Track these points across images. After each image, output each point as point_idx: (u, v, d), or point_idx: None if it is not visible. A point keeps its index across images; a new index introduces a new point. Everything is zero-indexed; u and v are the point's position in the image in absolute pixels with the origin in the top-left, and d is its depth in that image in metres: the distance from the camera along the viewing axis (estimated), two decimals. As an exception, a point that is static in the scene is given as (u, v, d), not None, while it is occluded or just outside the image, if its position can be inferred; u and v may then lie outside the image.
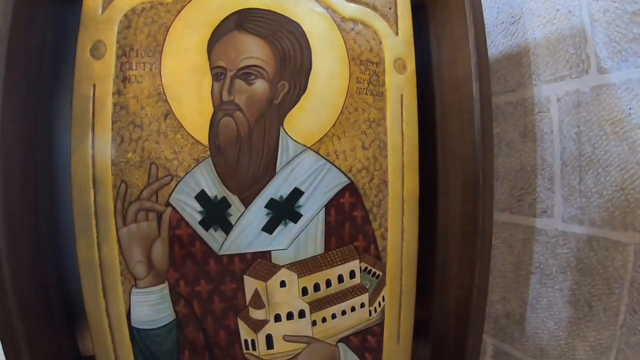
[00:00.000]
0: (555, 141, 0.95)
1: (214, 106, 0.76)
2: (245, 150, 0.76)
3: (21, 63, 0.74)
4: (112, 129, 0.76)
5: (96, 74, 0.76)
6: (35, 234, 0.78)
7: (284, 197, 0.77)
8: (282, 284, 0.80)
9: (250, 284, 0.79)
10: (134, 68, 0.76)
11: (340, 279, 0.82)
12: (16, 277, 0.69)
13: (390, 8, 0.87)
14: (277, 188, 0.77)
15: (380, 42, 0.84)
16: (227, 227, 0.76)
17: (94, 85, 0.76)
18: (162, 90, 0.76)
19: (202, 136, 0.76)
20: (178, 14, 0.78)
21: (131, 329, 0.78)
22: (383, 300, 0.86)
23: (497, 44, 1.07)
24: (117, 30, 0.78)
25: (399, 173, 0.83)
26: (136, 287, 0.76)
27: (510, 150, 1.02)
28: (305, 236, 0.79)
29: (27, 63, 0.76)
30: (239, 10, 0.79)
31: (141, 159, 0.75)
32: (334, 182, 0.79)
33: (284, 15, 0.80)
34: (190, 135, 0.75)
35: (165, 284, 0.77)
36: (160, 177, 0.75)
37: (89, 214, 0.76)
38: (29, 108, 0.77)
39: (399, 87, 0.84)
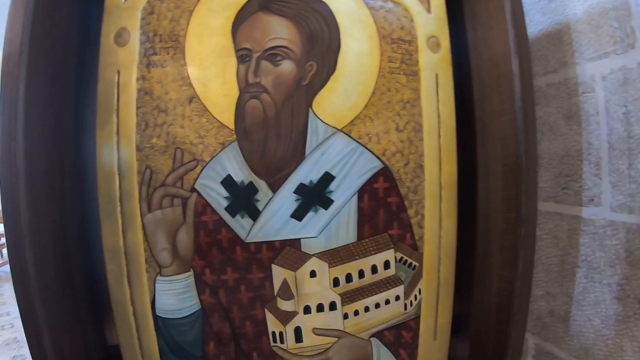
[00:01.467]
0: (601, 123, 0.88)
1: (239, 89, 0.73)
2: (272, 133, 0.72)
3: (46, 53, 0.74)
4: (137, 114, 0.74)
5: (120, 60, 0.75)
6: (60, 219, 0.76)
7: (314, 182, 0.73)
8: (312, 274, 0.75)
9: (279, 273, 0.75)
10: (157, 53, 0.75)
11: (374, 269, 0.77)
12: (39, 263, 0.68)
13: (420, -16, 0.82)
14: (307, 172, 0.73)
15: (412, 20, 0.80)
16: (254, 214, 0.73)
17: (119, 72, 0.75)
18: (186, 74, 0.74)
19: (228, 119, 0.73)
20: (201, -3, 0.76)
21: (156, 317, 0.75)
22: (419, 293, 0.80)
23: (535, 23, 1.00)
24: (141, 17, 0.76)
25: (436, 157, 0.78)
26: (161, 275, 0.74)
27: (554, 134, 0.95)
28: (336, 223, 0.74)
29: (52, 53, 0.75)
30: (267, -9, 0.76)
31: (166, 144, 0.73)
32: (367, 166, 0.75)
33: (310, -6, 0.77)
34: (216, 118, 0.73)
35: (191, 272, 0.74)
36: (185, 162, 0.72)
37: (113, 199, 0.74)
38: (54, 96, 0.75)
39: (434, 66, 0.79)
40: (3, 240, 6.54)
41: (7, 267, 6.44)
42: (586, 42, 0.90)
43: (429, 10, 0.82)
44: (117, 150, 0.74)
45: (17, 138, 0.69)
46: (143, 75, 0.74)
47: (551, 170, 0.96)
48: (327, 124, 0.74)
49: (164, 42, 0.75)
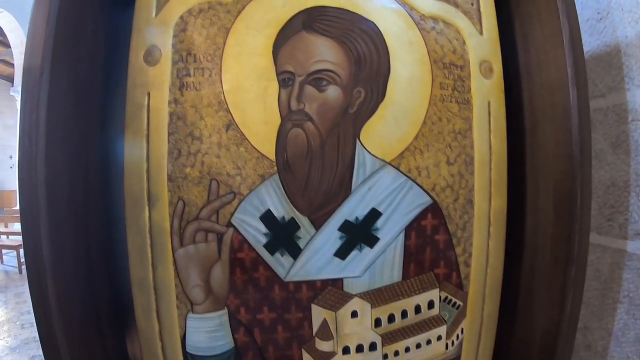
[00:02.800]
0: (651, 153, 0.84)
1: (281, 116, 0.67)
2: (317, 165, 0.67)
3: (70, 69, 0.67)
4: (169, 141, 0.68)
5: (151, 80, 0.69)
6: (84, 250, 0.71)
7: (360, 218, 0.68)
8: (354, 314, 0.71)
9: (318, 313, 0.71)
10: (191, 74, 0.68)
11: (418, 309, 0.73)
12: (62, 298, 0.63)
13: (472, 4, 0.77)
14: (353, 208, 0.68)
15: (464, 43, 0.74)
16: (295, 251, 0.68)
17: (149, 93, 0.69)
18: (223, 98, 0.68)
19: (269, 150, 0.67)
20: (239, 14, 0.70)
21: (186, 354, 0.70)
22: (462, 332, 0.76)
23: (582, 44, 0.95)
24: (173, 34, 0.70)
25: (486, 190, 0.73)
26: (193, 312, 0.69)
27: (600, 162, 0.91)
28: (381, 262, 0.70)
29: (77, 69, 0.69)
30: (306, 9, 0.70)
31: (200, 175, 0.68)
32: (416, 202, 0.70)
33: (356, 14, 0.71)
34: (255, 148, 0.67)
35: (225, 311, 0.69)
36: (221, 194, 0.67)
37: (143, 231, 0.69)
38: (77, 118, 0.69)
39: (486, 93, 0.74)
40: None
41: None
42: (637, 66, 0.86)
43: (481, 32, 0.77)
44: (146, 179, 0.68)
45: (38, 165, 0.64)
46: (175, 99, 0.68)
47: (596, 200, 0.92)
48: (375, 156, 0.69)
49: (199, 62, 0.69)
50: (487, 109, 0.74)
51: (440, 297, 0.73)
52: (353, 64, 0.69)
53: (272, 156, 0.67)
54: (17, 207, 8.86)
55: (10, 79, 12.05)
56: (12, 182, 11.97)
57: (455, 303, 0.75)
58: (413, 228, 0.70)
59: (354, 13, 0.71)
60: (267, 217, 0.67)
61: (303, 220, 0.68)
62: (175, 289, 0.69)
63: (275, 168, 0.67)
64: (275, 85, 0.68)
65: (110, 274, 0.75)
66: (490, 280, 0.75)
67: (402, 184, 0.69)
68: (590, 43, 0.93)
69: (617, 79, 0.89)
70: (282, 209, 0.67)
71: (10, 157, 13.22)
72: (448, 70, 0.73)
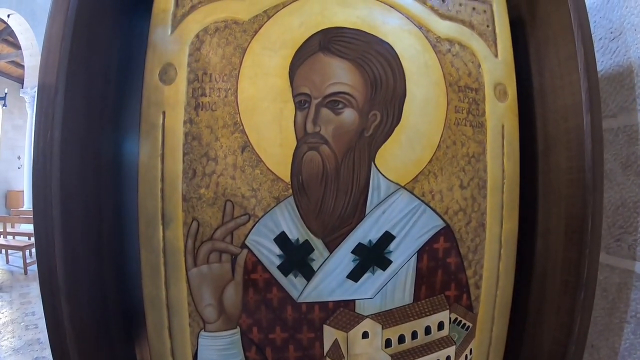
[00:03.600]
0: (662, 175, 0.85)
1: (297, 138, 0.67)
2: (331, 188, 0.67)
3: (84, 88, 0.67)
4: (184, 161, 0.68)
5: (166, 100, 0.69)
6: (97, 270, 0.71)
7: (374, 242, 0.69)
8: (365, 335, 0.71)
9: (330, 334, 0.71)
10: (207, 94, 0.68)
11: (428, 330, 0.73)
12: (75, 316, 0.63)
13: (488, 26, 0.77)
14: (367, 232, 0.68)
15: (479, 65, 0.74)
16: (308, 273, 0.68)
17: (164, 113, 0.68)
18: (238, 119, 0.68)
19: (284, 172, 0.67)
20: (255, 34, 0.70)
21: (197, 371, 0.71)
22: (470, 352, 0.77)
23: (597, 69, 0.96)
24: (189, 52, 0.70)
25: (498, 214, 0.74)
26: (205, 331, 0.69)
27: (610, 182, 0.92)
28: (393, 285, 0.70)
29: (90, 87, 0.69)
30: (323, 30, 0.70)
31: (215, 196, 0.68)
32: (429, 225, 0.70)
33: (373, 35, 0.71)
34: (270, 170, 0.67)
35: (237, 330, 0.70)
36: (236, 216, 0.67)
37: (156, 250, 0.69)
38: (91, 136, 0.69)
39: (500, 116, 0.74)
40: (33, 240, 6.61)
41: (35, 266, 6.55)
42: (649, 88, 0.86)
43: (496, 55, 0.76)
44: (161, 198, 0.68)
45: (52, 182, 0.64)
46: (191, 119, 0.68)
47: (605, 220, 0.93)
48: (389, 180, 0.69)
49: (214, 81, 0.69)
50: (501, 133, 0.74)
51: (450, 318, 0.74)
52: (369, 87, 0.69)
53: (287, 179, 0.67)
54: (24, 208, 9.01)
55: (20, 80, 12.08)
56: (20, 183, 11.97)
57: (464, 324, 0.75)
58: (425, 251, 0.71)
59: (370, 34, 0.71)
60: (282, 239, 0.67)
61: (317, 243, 0.68)
62: (188, 307, 0.70)
63: (290, 191, 0.67)
64: (291, 106, 0.68)
65: (122, 291, 0.75)
66: (499, 302, 0.76)
67: (415, 207, 0.70)
68: (602, 62, 0.94)
69: (628, 100, 0.89)
70: (296, 232, 0.67)
71: (19, 157, 13.22)
72: (463, 93, 0.73)
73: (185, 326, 0.70)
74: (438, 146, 0.71)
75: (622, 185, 0.89)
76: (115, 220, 0.73)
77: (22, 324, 4.33)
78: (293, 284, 0.69)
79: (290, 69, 0.69)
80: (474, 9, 0.77)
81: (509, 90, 0.76)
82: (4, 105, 11.94)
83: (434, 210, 0.70)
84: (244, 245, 0.68)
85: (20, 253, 6.24)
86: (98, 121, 0.70)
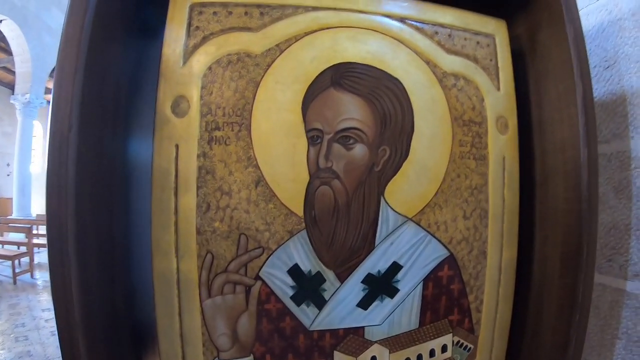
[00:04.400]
0: (651, 200, 0.90)
1: (309, 173, 0.69)
2: (343, 222, 0.70)
3: (96, 125, 0.67)
4: (197, 195, 0.69)
5: (179, 133, 0.69)
6: (111, 300, 0.72)
7: (382, 272, 0.72)
8: (373, 359, 0.75)
9: (340, 359, 0.74)
10: (221, 128, 0.69)
11: (432, 353, 0.77)
12: (91, 350, 0.65)
13: (491, 60, 0.80)
14: (375, 262, 0.71)
15: (482, 100, 0.77)
16: (320, 303, 0.71)
17: (177, 146, 0.69)
18: (252, 154, 0.69)
19: (297, 206, 0.69)
20: (268, 68, 0.71)
21: (210, 398, 0.73)
22: (471, 371, 0.81)
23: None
24: (202, 85, 0.70)
25: (498, 242, 0.77)
26: (219, 358, 0.71)
27: (602, 205, 0.96)
28: (400, 311, 0.74)
29: (103, 124, 0.69)
30: (335, 65, 0.71)
31: (229, 229, 0.69)
32: (434, 254, 0.73)
33: (383, 71, 0.73)
34: (284, 205, 0.69)
35: (250, 357, 0.72)
36: (250, 249, 0.69)
37: (170, 282, 0.70)
38: (105, 170, 0.70)
39: (501, 148, 0.78)
40: (22, 249, 6.52)
41: (24, 276, 6.30)
42: (641, 116, 0.90)
43: (498, 88, 0.79)
44: (174, 231, 0.69)
45: (67, 217, 0.64)
46: (204, 152, 0.69)
47: (598, 241, 0.98)
48: (397, 213, 0.72)
49: (228, 115, 0.70)
50: (502, 164, 0.77)
51: (453, 341, 0.78)
52: (379, 123, 0.71)
53: (300, 213, 0.69)
54: (13, 216, 8.97)
55: (10, 86, 11.96)
56: (9, 190, 11.84)
57: (466, 346, 0.79)
58: (430, 279, 0.74)
59: (380, 70, 0.73)
60: (295, 271, 0.70)
61: (329, 274, 0.70)
62: (202, 337, 0.71)
63: (303, 224, 0.69)
64: (303, 141, 0.70)
65: (134, 320, 0.76)
66: (499, 325, 0.80)
67: (422, 238, 0.73)
68: (596, 90, 0.98)
69: (621, 127, 0.93)
70: (309, 264, 0.70)
71: (8, 164, 13.11)
72: (467, 127, 0.75)
73: (199, 355, 0.72)
74: (443, 179, 0.73)
75: (614, 209, 0.94)
76: (127, 254, 0.74)
77: (11, 335, 4.26)
78: (305, 313, 0.71)
79: (302, 104, 0.70)
80: (478, 43, 0.79)
81: (510, 123, 0.79)
82: (-6, 112, 11.76)
83: (439, 241, 0.74)
84: (257, 277, 0.70)
85: (10, 262, 6.15)
86: (110, 155, 0.71)
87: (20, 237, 7.06)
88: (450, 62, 0.76)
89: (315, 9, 0.74)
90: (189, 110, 0.70)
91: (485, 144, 0.76)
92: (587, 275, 0.76)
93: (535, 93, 0.83)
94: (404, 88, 0.73)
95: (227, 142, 0.69)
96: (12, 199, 10.20)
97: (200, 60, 0.71)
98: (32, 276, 6.48)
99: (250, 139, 0.69)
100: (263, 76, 0.71)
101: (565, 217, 0.78)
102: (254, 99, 0.70)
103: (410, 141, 0.72)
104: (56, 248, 0.65)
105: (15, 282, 6.04)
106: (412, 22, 0.77)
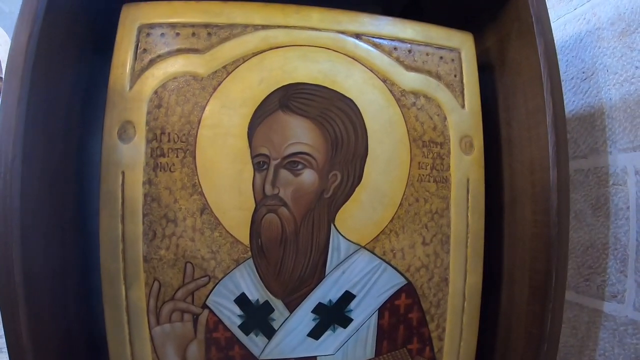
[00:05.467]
0: (631, 219, 0.84)
1: (255, 201, 0.67)
2: (291, 250, 0.67)
3: (43, 153, 0.67)
4: (143, 223, 0.68)
5: (125, 159, 0.68)
6: (64, 326, 0.72)
7: (334, 301, 0.69)
8: (328, 388, 0.73)
9: (293, 388, 0.72)
10: (165, 154, 0.68)
11: (391, 382, 0.74)
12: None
13: (455, 75, 0.75)
14: (326, 292, 0.69)
15: (445, 118, 0.73)
16: (269, 332, 0.69)
17: (123, 173, 0.68)
18: (197, 181, 0.67)
19: (243, 235, 0.67)
20: (215, 91, 0.69)
21: None
22: (435, 400, 0.78)
23: (566, 102, 0.94)
24: (147, 110, 0.69)
25: (462, 267, 0.74)
26: (170, 386, 0.70)
27: (579, 223, 0.91)
28: (354, 341, 0.71)
29: (50, 151, 0.68)
30: (283, 86, 0.69)
31: (175, 257, 0.68)
32: (390, 283, 0.71)
33: (334, 91, 0.70)
34: (229, 233, 0.67)
35: (201, 385, 0.71)
36: (196, 277, 0.67)
37: (120, 309, 0.69)
38: (52, 199, 0.69)
39: (465, 170, 0.74)
40: None
41: None
42: (620, 130, 0.85)
43: (463, 105, 0.75)
44: (122, 259, 0.68)
45: (14, 246, 0.64)
46: (150, 179, 0.68)
47: (574, 260, 0.93)
48: (349, 241, 0.69)
49: (173, 141, 0.68)
50: (465, 187, 0.73)
51: (413, 370, 0.75)
52: (330, 147, 0.68)
53: (247, 241, 0.67)
54: None
55: None
56: None
57: (428, 375, 0.76)
58: (387, 308, 0.71)
59: (332, 90, 0.70)
60: (242, 300, 0.68)
61: (277, 303, 0.68)
62: (153, 364, 0.71)
63: (250, 253, 0.67)
64: (249, 168, 0.67)
65: (89, 346, 0.76)
66: (463, 353, 0.77)
67: (376, 266, 0.70)
68: (573, 102, 0.92)
69: (599, 141, 0.88)
70: (256, 293, 0.68)
71: None
72: (427, 148, 0.72)
73: (151, 382, 0.71)
74: (400, 204, 0.70)
75: (591, 227, 0.89)
76: (80, 282, 0.73)
77: None
78: (254, 342, 0.69)
79: (249, 128, 0.68)
80: (441, 58, 0.75)
81: (475, 142, 0.74)
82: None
83: (395, 269, 0.71)
84: (205, 306, 0.68)
85: None
86: (58, 185, 0.70)
87: None
88: (410, 80, 0.72)
89: (264, 27, 0.71)
90: (134, 136, 0.68)
91: (448, 166, 0.73)
92: (555, 305, 0.72)
93: (504, 110, 0.78)
94: (357, 109, 0.70)
95: (172, 169, 0.68)
96: None
97: (147, 84, 0.69)
98: None
99: (195, 165, 0.67)
100: (209, 100, 0.69)
101: (534, 241, 0.73)
102: (199, 124, 0.68)
103: (364, 165, 0.69)
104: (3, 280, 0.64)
105: None
106: (369, 38, 0.73)
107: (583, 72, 0.89)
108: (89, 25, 0.75)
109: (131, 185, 0.68)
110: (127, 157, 0.68)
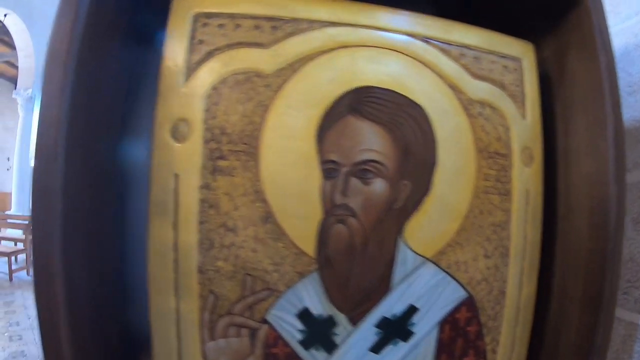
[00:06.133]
0: (669, 233, 0.87)
1: (323, 209, 0.63)
2: (358, 263, 0.64)
3: (85, 154, 0.60)
4: (199, 231, 0.63)
5: (179, 161, 0.62)
6: (104, 336, 0.66)
7: (398, 315, 0.67)
8: (383, 403, 0.70)
9: (348, 403, 0.70)
10: (225, 157, 0.63)
11: (444, 395, 0.73)
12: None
13: (517, 85, 0.74)
14: (391, 306, 0.66)
15: (508, 129, 0.72)
16: (330, 347, 0.66)
17: (176, 176, 0.62)
18: (260, 187, 0.63)
19: (308, 246, 0.63)
20: (279, 90, 0.64)
21: None
22: (482, 411, 0.78)
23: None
24: (205, 108, 0.63)
25: (518, 279, 0.73)
26: (221, 404, 0.66)
27: (618, 237, 0.93)
28: (414, 355, 0.69)
29: (91, 150, 0.62)
30: (354, 89, 0.65)
31: (234, 269, 0.63)
32: (452, 296, 0.69)
33: (404, 96, 0.67)
34: (294, 244, 0.63)
35: (255, 403, 0.67)
36: (256, 290, 0.63)
37: (169, 322, 0.64)
38: (95, 200, 0.62)
39: (525, 182, 0.73)
40: (19, 245, 6.48)
41: (20, 274, 6.24)
42: (663, 145, 0.86)
43: (524, 116, 0.74)
44: (173, 269, 0.63)
45: (55, 252, 0.57)
46: (207, 184, 0.62)
47: (611, 272, 0.95)
48: (416, 253, 0.66)
49: (234, 143, 0.63)
50: (526, 199, 0.73)
51: (466, 383, 0.74)
52: (400, 154, 0.65)
53: (313, 253, 0.63)
54: (12, 212, 8.82)
55: (13, 80, 11.93)
56: (8, 184, 11.89)
57: (479, 387, 0.75)
58: (447, 321, 0.70)
59: (401, 95, 0.67)
60: (304, 315, 0.64)
61: (341, 318, 0.65)
62: (203, 380, 0.66)
63: (315, 265, 0.63)
64: (317, 174, 0.63)
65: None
66: (513, 365, 0.76)
67: (441, 279, 0.68)
68: (618, 115, 0.93)
69: (642, 156, 0.89)
70: (320, 307, 0.64)
71: (8, 159, 13.07)
72: (493, 159, 0.70)
73: (200, 397, 0.67)
74: (466, 216, 0.68)
75: (631, 241, 0.91)
76: (121, 289, 0.67)
77: (5, 334, 4.12)
78: (314, 357, 0.66)
79: (317, 132, 0.63)
80: (505, 66, 0.74)
81: (535, 154, 0.74)
82: (-5, 106, 11.82)
83: (458, 282, 0.69)
84: (264, 320, 0.64)
85: (4, 258, 6.07)
86: (101, 184, 0.63)
87: (18, 233, 6.95)
88: (477, 88, 0.70)
89: (332, 24, 0.67)
90: (190, 135, 0.63)
91: (510, 178, 0.71)
92: (607, 317, 0.73)
93: (562, 121, 0.78)
94: (426, 116, 0.67)
95: (233, 174, 0.63)
96: (11, 193, 10.15)
97: (204, 78, 0.64)
98: (28, 273, 6.40)
99: (258, 170, 0.63)
100: (274, 99, 0.64)
101: (589, 255, 0.73)
102: (262, 125, 0.63)
103: (432, 175, 0.66)
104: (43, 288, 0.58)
105: (11, 279, 5.97)
106: (437, 43, 0.70)
107: (629, 87, 0.90)
108: (136, 10, 0.68)
109: (186, 189, 0.62)
110: (181, 158, 0.63)
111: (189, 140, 0.63)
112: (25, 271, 6.39)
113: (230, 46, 0.65)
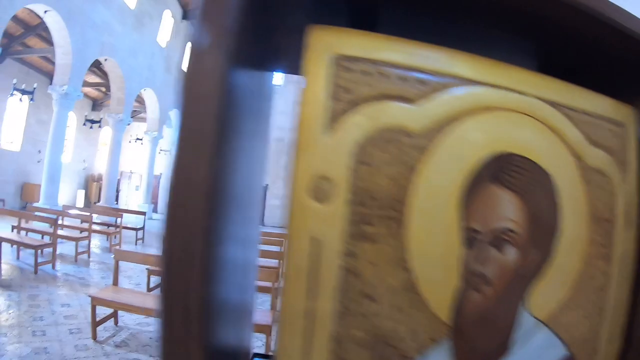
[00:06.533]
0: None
1: (461, 277, 0.62)
2: (487, 330, 0.64)
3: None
4: (335, 298, 0.59)
5: (319, 223, 0.58)
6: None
7: (512, 378, 0.68)
8: None
9: None
10: (372, 223, 0.59)
11: None
12: None
13: (622, 151, 0.76)
14: (508, 370, 0.67)
15: (615, 196, 0.74)
16: (448, 410, 0.66)
17: (314, 239, 0.58)
18: (404, 255, 0.60)
19: (443, 312, 0.62)
20: (425, 151, 0.61)
21: None
22: None
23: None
24: (351, 166, 0.58)
25: (608, 337, 0.77)
26: None
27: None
28: (519, 414, 0.71)
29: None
30: (497, 156, 0.63)
31: (370, 337, 0.60)
32: (557, 356, 0.71)
33: (536, 164, 0.66)
34: (433, 312, 0.61)
35: None
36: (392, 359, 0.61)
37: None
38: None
39: (624, 246, 0.76)
40: (45, 238, 6.60)
41: (46, 267, 6.26)
42: None
43: (624, 180, 0.77)
44: (303, 337, 0.59)
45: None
46: (350, 251, 0.59)
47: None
48: (534, 317, 0.68)
49: (382, 208, 0.59)
50: (623, 263, 0.76)
51: None
52: (531, 223, 0.65)
53: (447, 320, 0.62)
54: (40, 204, 9.20)
55: (49, 75, 12.41)
56: (37, 176, 12.65)
57: None
58: (550, 380, 0.72)
59: (535, 164, 0.66)
60: (433, 381, 0.63)
61: (463, 383, 0.65)
62: None
63: (450, 333, 0.62)
64: (458, 242, 0.62)
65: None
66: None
67: (552, 343, 0.70)
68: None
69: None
70: (448, 374, 0.64)
71: (39, 151, 13.55)
72: (600, 225, 0.72)
73: None
74: (578, 282, 0.70)
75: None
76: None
77: (29, 328, 3.96)
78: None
79: (461, 199, 0.61)
80: (612, 132, 0.75)
81: (633, 216, 0.77)
82: (32, 99, 12.12)
83: (564, 343, 0.71)
84: (393, 387, 0.62)
85: (31, 250, 6.14)
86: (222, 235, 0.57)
87: (45, 226, 6.97)
88: (594, 155, 0.72)
89: (474, 82, 0.64)
90: (333, 196, 0.58)
91: (613, 243, 0.74)
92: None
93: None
94: (554, 185, 0.67)
95: (378, 240, 0.59)
96: (40, 185, 10.49)
97: (350, 132, 0.59)
98: (53, 267, 6.41)
99: (405, 237, 0.60)
100: (420, 161, 0.60)
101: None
102: (409, 188, 0.60)
103: (554, 243, 0.67)
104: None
105: (36, 272, 5.93)
106: (562, 107, 0.70)
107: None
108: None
109: (326, 255, 0.58)
110: (322, 219, 0.58)
111: (332, 202, 0.58)
112: (50, 265, 6.39)
113: (377, 97, 0.60)
